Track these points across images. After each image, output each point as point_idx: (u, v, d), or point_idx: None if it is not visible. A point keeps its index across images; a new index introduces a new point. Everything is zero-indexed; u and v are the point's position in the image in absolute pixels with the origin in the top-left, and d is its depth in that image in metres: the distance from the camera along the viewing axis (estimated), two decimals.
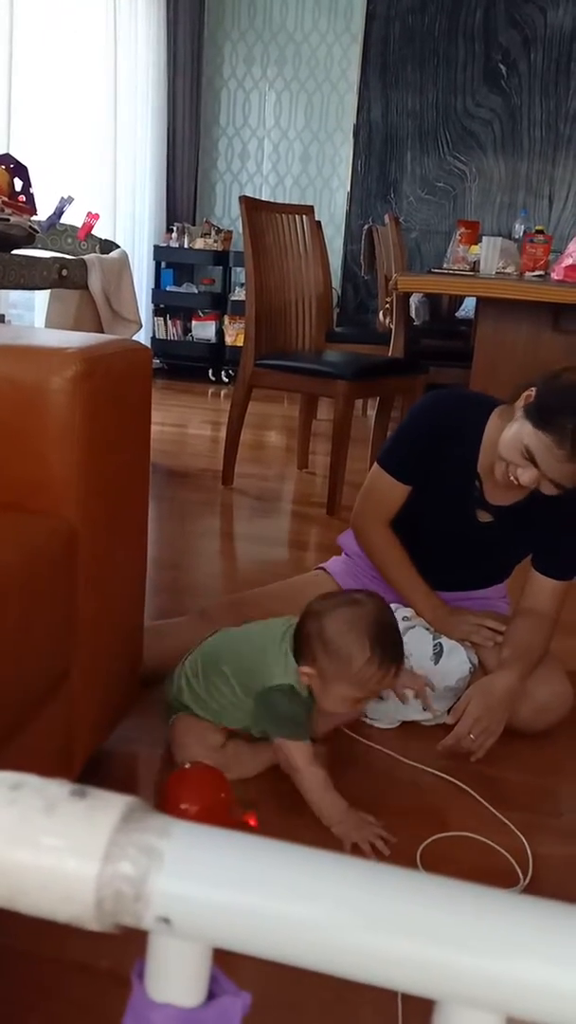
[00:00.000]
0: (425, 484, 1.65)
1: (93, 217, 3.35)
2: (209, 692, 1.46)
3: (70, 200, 3.11)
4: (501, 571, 1.82)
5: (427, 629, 1.66)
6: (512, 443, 1.46)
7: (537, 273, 3.21)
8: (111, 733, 1.49)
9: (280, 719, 1.34)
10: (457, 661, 1.63)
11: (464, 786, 1.48)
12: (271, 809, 1.36)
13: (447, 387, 1.80)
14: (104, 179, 5.04)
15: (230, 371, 5.70)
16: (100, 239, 3.51)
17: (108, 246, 3.49)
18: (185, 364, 5.82)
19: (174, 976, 0.32)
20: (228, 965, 0.35)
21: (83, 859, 0.29)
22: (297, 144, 5.82)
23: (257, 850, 0.30)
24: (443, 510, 1.67)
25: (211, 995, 0.33)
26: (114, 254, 3.32)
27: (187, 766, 1.30)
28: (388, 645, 1.31)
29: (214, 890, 0.29)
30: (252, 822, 1.27)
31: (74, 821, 0.30)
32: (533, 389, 1.48)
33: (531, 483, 1.46)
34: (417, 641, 1.63)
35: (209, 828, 0.31)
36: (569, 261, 2.94)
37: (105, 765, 1.46)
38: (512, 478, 1.49)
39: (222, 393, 5.48)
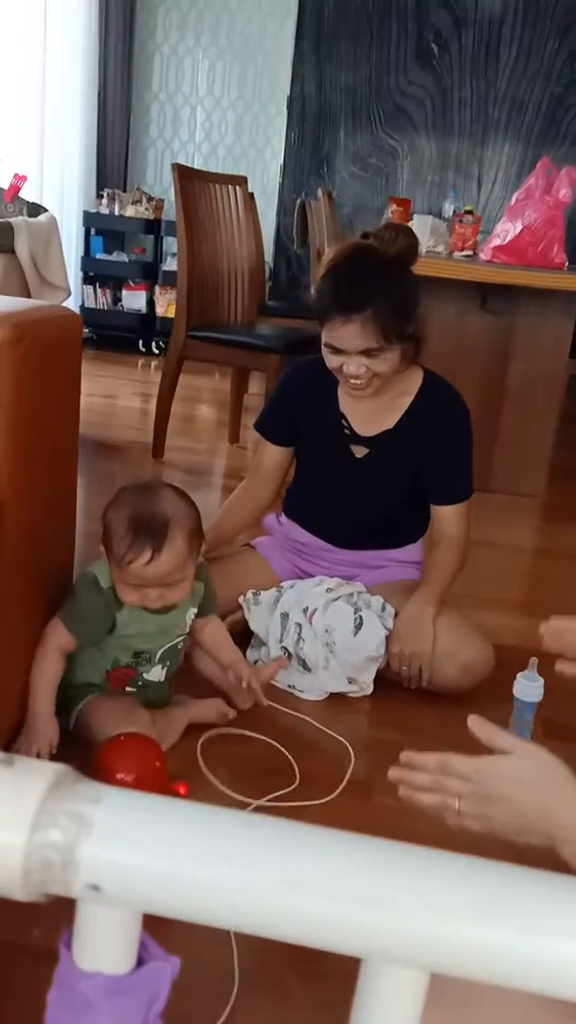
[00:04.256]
0: (299, 437, 1.83)
1: (20, 179, 3.25)
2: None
3: None
4: (403, 519, 1.86)
5: (348, 603, 1.69)
6: (324, 353, 1.66)
7: (466, 253, 3.25)
8: None
9: (68, 600, 1.39)
10: (374, 629, 1.66)
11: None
12: (198, 783, 1.36)
13: None
14: (32, 141, 4.88)
15: (161, 342, 5.61)
16: (27, 202, 3.41)
17: (36, 209, 3.39)
18: (115, 334, 5.70)
19: (103, 944, 0.32)
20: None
21: (10, 828, 0.29)
22: (231, 114, 5.72)
23: (187, 816, 0.30)
24: (323, 454, 1.81)
25: (140, 962, 0.33)
26: (42, 218, 3.22)
27: (121, 736, 1.29)
28: (143, 528, 1.29)
29: (144, 856, 0.29)
30: (182, 791, 1.27)
31: (1, 790, 0.29)
32: None
33: (355, 369, 1.61)
34: (338, 614, 1.66)
35: (140, 794, 0.31)
36: (497, 242, 2.98)
37: None
38: (348, 378, 1.64)
39: (152, 365, 5.39)
